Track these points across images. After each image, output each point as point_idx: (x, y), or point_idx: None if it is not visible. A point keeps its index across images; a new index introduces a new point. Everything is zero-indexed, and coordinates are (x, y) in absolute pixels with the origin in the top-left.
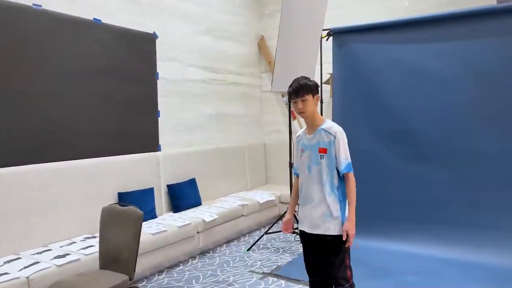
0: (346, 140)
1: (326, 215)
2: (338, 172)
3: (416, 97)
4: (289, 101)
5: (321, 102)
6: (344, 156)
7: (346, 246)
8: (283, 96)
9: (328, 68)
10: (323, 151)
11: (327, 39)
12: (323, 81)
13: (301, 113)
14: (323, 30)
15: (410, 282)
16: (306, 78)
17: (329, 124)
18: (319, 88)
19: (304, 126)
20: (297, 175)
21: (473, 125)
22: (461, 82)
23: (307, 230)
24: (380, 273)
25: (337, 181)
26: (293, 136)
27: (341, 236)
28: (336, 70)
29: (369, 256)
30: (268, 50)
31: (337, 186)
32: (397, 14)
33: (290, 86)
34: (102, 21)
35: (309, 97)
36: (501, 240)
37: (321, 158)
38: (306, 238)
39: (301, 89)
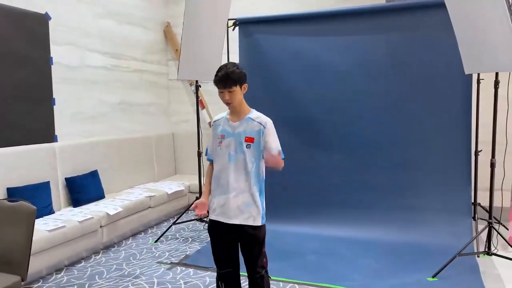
0: (275, 130)
1: (248, 205)
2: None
3: (315, 87)
4: (197, 90)
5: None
6: (275, 144)
7: None
8: (191, 84)
9: (235, 58)
10: (250, 140)
11: (233, 29)
12: None
13: (228, 104)
14: (229, 19)
15: (310, 261)
16: (234, 65)
17: (256, 113)
18: (246, 77)
19: (224, 112)
20: (211, 161)
21: (362, 114)
22: (353, 74)
23: (223, 219)
24: (283, 255)
25: (262, 171)
26: (202, 124)
27: (260, 227)
28: (242, 60)
29: (273, 239)
30: (174, 37)
31: (261, 177)
32: (301, 8)
33: (216, 75)
34: None
35: (236, 89)
36: (384, 217)
37: (247, 147)
38: (219, 228)
39: (228, 80)
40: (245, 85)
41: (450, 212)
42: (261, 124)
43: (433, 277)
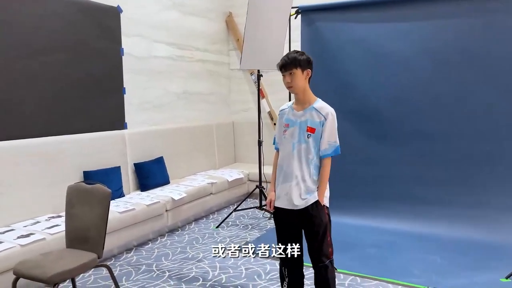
0: (336, 122)
1: (309, 193)
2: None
3: (377, 76)
4: (258, 79)
5: None
6: (334, 138)
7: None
8: (251, 74)
9: (297, 47)
10: (311, 130)
11: (295, 17)
12: None
13: (289, 87)
14: (292, 8)
15: (371, 255)
16: (297, 52)
17: (321, 103)
18: (311, 64)
19: (289, 102)
20: (278, 150)
21: (426, 104)
22: (418, 62)
23: (287, 207)
24: (344, 247)
25: (319, 161)
26: (262, 114)
27: (323, 208)
28: (304, 48)
29: (334, 231)
30: (236, 27)
31: (319, 166)
32: None
33: (280, 60)
34: None
35: (297, 71)
36: (448, 213)
37: (308, 137)
38: (284, 215)
39: (289, 63)
40: (308, 71)
41: None
42: (322, 114)
43: (507, 278)
